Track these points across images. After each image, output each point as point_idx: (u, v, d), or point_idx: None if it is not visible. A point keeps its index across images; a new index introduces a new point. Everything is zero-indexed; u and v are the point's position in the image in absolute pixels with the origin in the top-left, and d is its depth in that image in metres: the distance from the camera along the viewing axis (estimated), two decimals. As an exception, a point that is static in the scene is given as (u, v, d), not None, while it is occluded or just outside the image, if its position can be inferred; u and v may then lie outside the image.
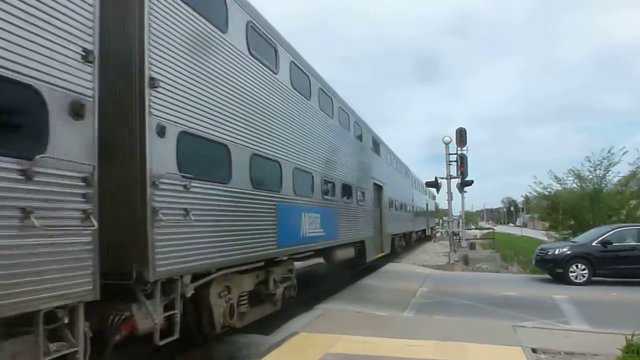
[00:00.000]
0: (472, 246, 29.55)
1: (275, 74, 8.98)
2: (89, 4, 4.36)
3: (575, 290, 13.93)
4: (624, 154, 24.44)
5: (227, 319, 7.19)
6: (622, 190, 25.41)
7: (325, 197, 11.84)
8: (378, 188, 18.60)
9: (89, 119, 4.28)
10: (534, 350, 7.30)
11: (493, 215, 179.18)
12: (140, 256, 5.00)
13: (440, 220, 53.88)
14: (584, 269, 15.34)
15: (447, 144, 24.47)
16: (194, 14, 6.15)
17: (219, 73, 6.77)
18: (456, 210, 31.55)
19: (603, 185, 25.14)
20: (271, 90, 8.73)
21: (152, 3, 5.29)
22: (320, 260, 13.37)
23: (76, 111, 4.14)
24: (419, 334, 8.34)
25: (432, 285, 14.98)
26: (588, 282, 15.13)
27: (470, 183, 24.70)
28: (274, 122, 8.74)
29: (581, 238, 17.42)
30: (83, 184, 4.18)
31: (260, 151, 8.05)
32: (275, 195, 8.69)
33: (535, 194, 28.76)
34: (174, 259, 5.45)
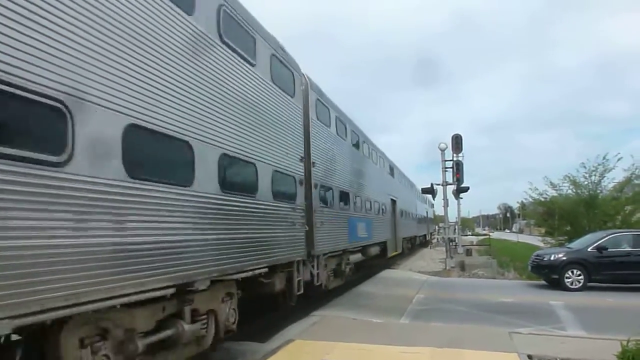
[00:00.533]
0: (468, 252, 29.53)
1: (344, 140, 15.13)
2: (302, 136, 10.67)
3: (571, 296, 13.95)
4: (618, 160, 24.68)
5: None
6: (617, 196, 25.53)
7: (367, 211, 17.78)
8: (393, 202, 24.61)
9: (303, 185, 10.51)
10: (530, 357, 7.30)
11: (489, 221, 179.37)
12: (310, 244, 10.97)
13: (437, 227, 54.19)
14: (579, 275, 15.36)
15: (442, 150, 24.49)
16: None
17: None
18: (452, 217, 31.65)
19: (598, 191, 25.33)
20: (357, 156, 17.17)
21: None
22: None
23: (301, 182, 10.36)
24: (415, 340, 8.33)
25: (429, 292, 14.98)
26: (584, 288, 15.14)
27: (466, 189, 24.70)
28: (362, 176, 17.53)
29: (577, 244, 17.45)
30: (302, 211, 10.39)
31: (355, 193, 16.00)
32: (348, 212, 14.86)
33: (531, 200, 28.92)
34: (320, 246, 11.65)
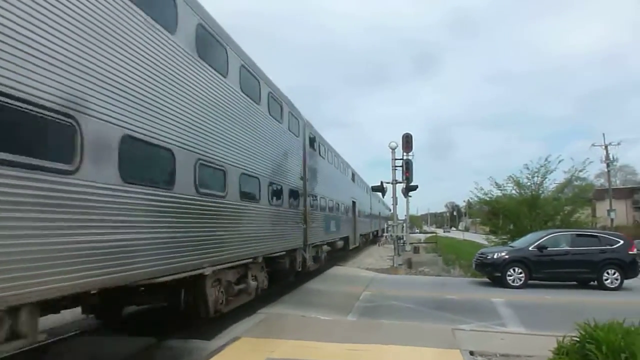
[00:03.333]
0: (415, 250, 30.01)
1: (324, 159, 19.82)
2: (302, 162, 15.17)
3: (512, 293, 14.41)
4: (559, 162, 25.65)
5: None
6: (557, 196, 26.50)
7: (338, 212, 22.34)
8: (353, 204, 28.35)
9: (303, 196, 14.99)
10: (471, 353, 7.48)
11: (437, 219, 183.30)
12: (305, 237, 14.90)
13: (385, 224, 55.01)
14: (520, 273, 15.88)
15: (393, 149, 24.71)
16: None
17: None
18: (401, 215, 32.09)
19: (540, 191, 26.20)
20: (331, 169, 21.64)
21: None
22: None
23: (301, 194, 14.84)
24: (361, 338, 8.39)
25: (376, 289, 15.14)
26: (524, 286, 15.69)
27: (414, 188, 25.04)
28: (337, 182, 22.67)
29: (519, 243, 18.05)
30: (303, 213, 14.81)
31: (330, 198, 20.29)
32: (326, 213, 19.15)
33: (476, 199, 29.66)
34: (311, 239, 15.71)
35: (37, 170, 4.40)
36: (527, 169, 26.25)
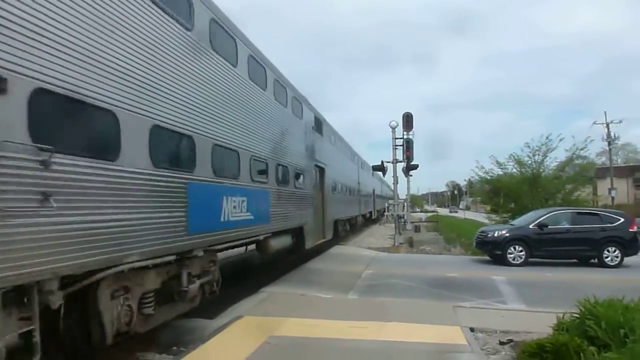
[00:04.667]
0: (417, 229, 30.13)
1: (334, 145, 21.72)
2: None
3: (513, 271, 14.45)
4: (560, 140, 25.61)
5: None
6: (558, 175, 26.50)
7: (346, 193, 25.36)
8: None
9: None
10: (472, 329, 7.54)
11: (438, 198, 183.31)
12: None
13: (386, 204, 54.81)
14: (521, 251, 15.93)
15: (393, 128, 24.70)
16: None
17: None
18: (402, 194, 32.13)
19: (541, 170, 26.17)
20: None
21: None
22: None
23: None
24: (362, 315, 8.45)
25: (377, 268, 15.20)
26: (525, 264, 15.74)
27: (415, 167, 25.10)
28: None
29: (519, 221, 18.07)
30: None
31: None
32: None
33: (477, 178, 29.65)
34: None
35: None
36: (528, 147, 26.24)
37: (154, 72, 6.44)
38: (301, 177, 14.91)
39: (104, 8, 5.39)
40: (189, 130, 7.40)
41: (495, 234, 16.80)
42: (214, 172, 8.20)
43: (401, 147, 24.55)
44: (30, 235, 4.20)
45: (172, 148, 7.30)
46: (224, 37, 9.06)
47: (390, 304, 9.75)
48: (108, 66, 5.41)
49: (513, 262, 15.83)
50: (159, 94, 6.55)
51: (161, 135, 6.58)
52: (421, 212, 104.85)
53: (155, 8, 6.55)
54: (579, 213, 17.14)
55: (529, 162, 26.27)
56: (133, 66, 5.92)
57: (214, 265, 8.89)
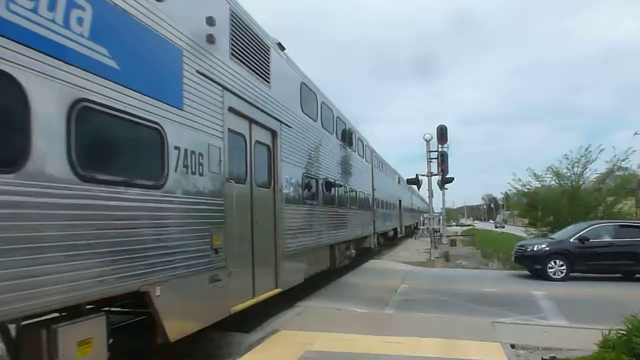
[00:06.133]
0: (452, 243, 29.76)
1: (386, 174, 29.74)
2: (371, 178, 23.05)
3: (553, 286, 14.09)
4: (600, 151, 24.84)
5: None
6: (599, 187, 25.79)
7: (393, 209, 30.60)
8: (399, 202, 34.54)
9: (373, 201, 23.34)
10: (512, 346, 7.36)
11: (473, 212, 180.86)
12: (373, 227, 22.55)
13: (421, 217, 54.62)
14: (562, 265, 15.52)
15: (428, 141, 24.54)
16: None
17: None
18: (437, 207, 31.81)
19: (581, 182, 25.53)
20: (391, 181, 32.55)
21: None
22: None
23: (372, 200, 22.67)
24: (398, 330, 8.36)
25: (413, 282, 15.03)
26: (566, 278, 15.32)
27: (450, 180, 24.78)
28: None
29: (559, 235, 17.64)
30: (373, 212, 22.67)
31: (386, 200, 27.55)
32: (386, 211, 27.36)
33: (514, 191, 29.11)
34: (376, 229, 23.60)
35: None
36: (567, 159, 25.60)
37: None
38: (396, 205, 32.17)
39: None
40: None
41: (535, 248, 16.42)
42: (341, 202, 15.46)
43: (436, 160, 24.33)
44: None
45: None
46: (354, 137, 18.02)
47: (427, 319, 9.62)
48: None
49: (554, 276, 15.43)
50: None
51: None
52: (457, 225, 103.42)
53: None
54: (622, 226, 16.64)
55: (568, 174, 25.70)
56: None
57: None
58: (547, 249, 16.07)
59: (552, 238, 17.74)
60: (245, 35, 7.92)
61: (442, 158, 23.90)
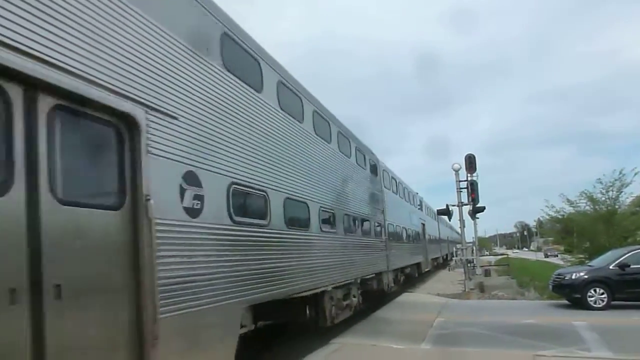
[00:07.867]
0: (487, 273, 29.15)
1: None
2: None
3: (594, 315, 13.69)
4: (635, 174, 24.28)
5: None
6: (636, 211, 25.18)
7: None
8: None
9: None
10: (556, 380, 7.16)
11: (506, 240, 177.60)
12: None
13: (454, 248, 53.78)
14: (602, 293, 15.08)
15: (456, 171, 24.41)
16: None
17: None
18: (469, 237, 31.35)
19: (617, 206, 24.96)
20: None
21: None
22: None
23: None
24: (437, 366, 8.21)
25: (449, 315, 14.77)
26: (607, 307, 14.86)
27: (482, 209, 24.51)
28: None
29: (598, 261, 17.18)
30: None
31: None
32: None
33: (548, 217, 28.60)
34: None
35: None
36: (601, 183, 25.11)
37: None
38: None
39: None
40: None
41: (573, 276, 15.99)
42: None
43: (465, 190, 24.13)
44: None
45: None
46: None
47: (466, 354, 9.44)
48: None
49: (594, 305, 14.97)
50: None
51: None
52: (490, 254, 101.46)
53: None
54: (664, 250, 16.11)
55: (603, 198, 25.16)
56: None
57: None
58: (586, 276, 15.64)
59: (590, 265, 17.30)
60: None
61: (472, 187, 23.70)
